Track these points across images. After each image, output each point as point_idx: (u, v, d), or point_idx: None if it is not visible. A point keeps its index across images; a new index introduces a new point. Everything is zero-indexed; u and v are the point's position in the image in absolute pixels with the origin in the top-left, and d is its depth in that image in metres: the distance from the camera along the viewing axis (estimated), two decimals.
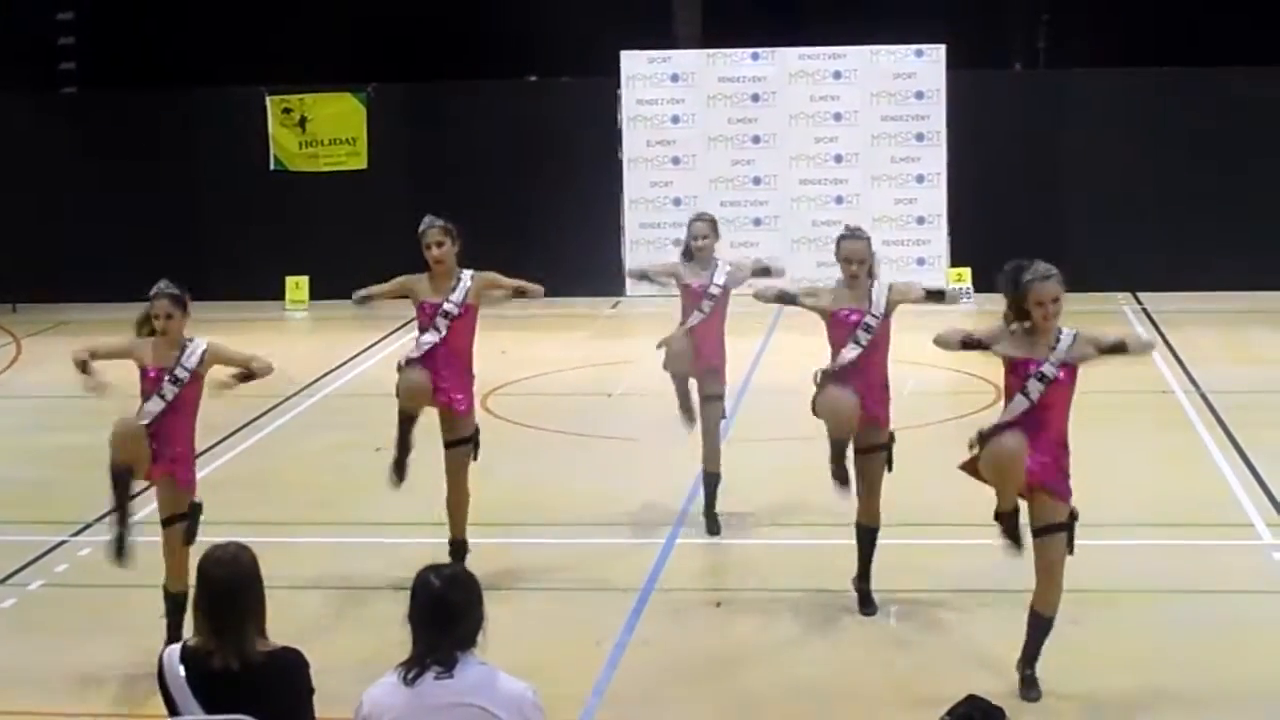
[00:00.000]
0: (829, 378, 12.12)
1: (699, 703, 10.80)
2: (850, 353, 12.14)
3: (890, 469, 12.03)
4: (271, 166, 27.33)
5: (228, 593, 6.76)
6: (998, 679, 10.48)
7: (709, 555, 13.80)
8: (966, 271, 25.96)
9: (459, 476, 12.78)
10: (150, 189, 27.12)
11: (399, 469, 12.86)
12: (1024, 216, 26.17)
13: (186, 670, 6.74)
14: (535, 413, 18.98)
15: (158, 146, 27.19)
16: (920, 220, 26.63)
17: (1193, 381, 19.77)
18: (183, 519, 11.08)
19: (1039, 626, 10.41)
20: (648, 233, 26.91)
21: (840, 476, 11.88)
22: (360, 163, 27.28)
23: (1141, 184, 26.05)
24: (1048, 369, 10.47)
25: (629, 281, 15.31)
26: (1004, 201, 26.14)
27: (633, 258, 26.86)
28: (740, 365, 20.33)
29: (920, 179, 26.62)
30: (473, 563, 11.92)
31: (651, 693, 10.90)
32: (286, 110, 27.33)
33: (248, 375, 11.67)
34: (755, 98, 26.86)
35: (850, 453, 11.96)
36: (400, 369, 12.89)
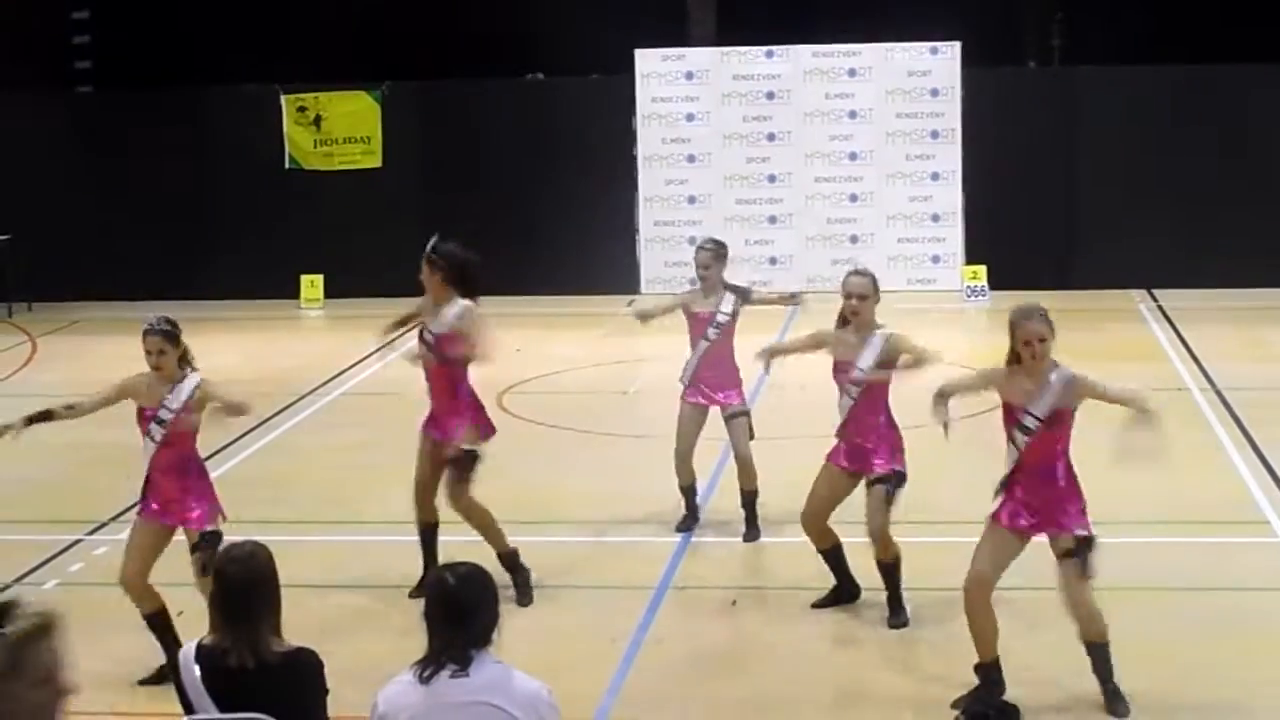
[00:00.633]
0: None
1: (714, 701, 10.80)
2: (843, 404, 12.06)
3: (890, 503, 11.96)
4: (286, 165, 27.34)
5: (243, 591, 6.78)
6: (1010, 677, 10.47)
7: (723, 553, 13.80)
8: (982, 269, 25.93)
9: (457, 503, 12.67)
10: (165, 187, 27.16)
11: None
12: (1039, 213, 26.17)
13: (201, 669, 6.76)
14: (550, 411, 18.98)
15: (172, 145, 27.21)
16: (935, 218, 26.61)
17: (1208, 379, 19.74)
18: (195, 549, 10.99)
19: (1093, 653, 10.34)
20: (662, 230, 26.91)
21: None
22: (375, 161, 27.29)
23: (1156, 180, 26.01)
24: (1029, 421, 10.32)
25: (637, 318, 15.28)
26: (1019, 199, 26.13)
27: (647, 255, 26.88)
28: (753, 365, 20.34)
29: (935, 176, 26.59)
30: (486, 561, 11.92)
31: (666, 691, 10.90)
32: (301, 109, 27.35)
33: (233, 410, 11.52)
34: (770, 95, 26.84)
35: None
36: None
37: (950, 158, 26.52)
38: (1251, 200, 25.84)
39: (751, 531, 14.00)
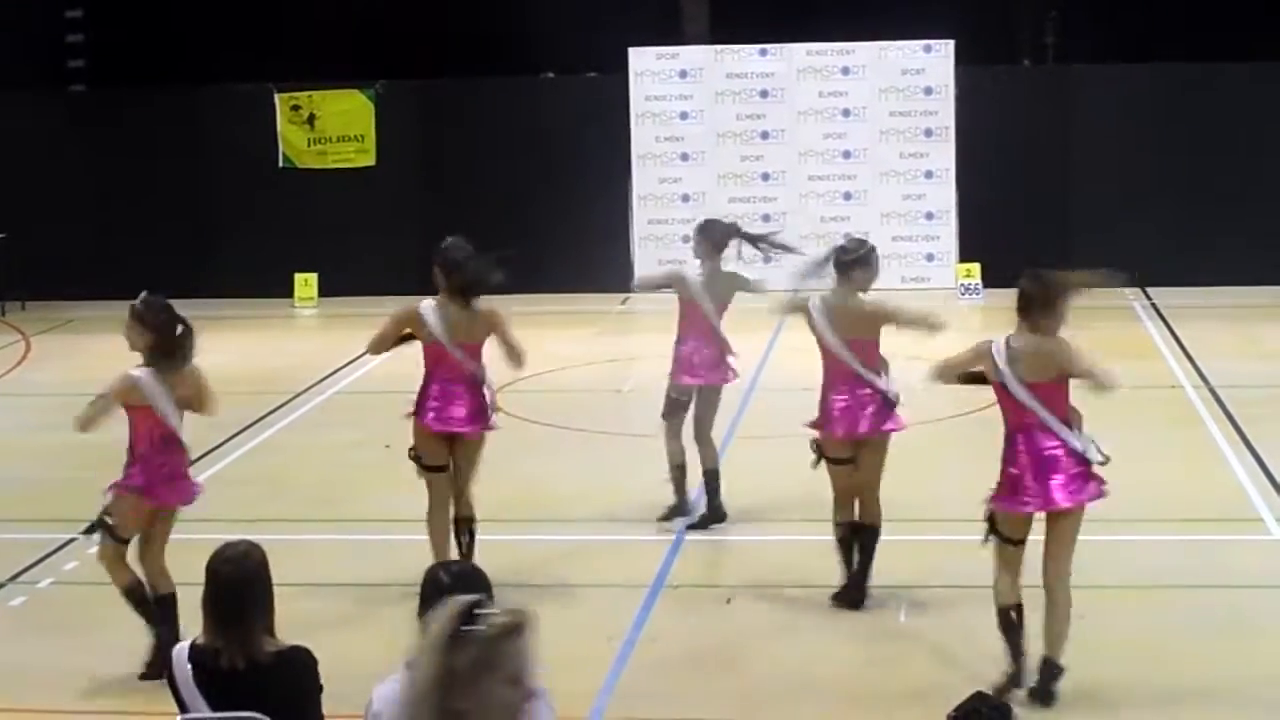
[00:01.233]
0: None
1: (709, 699, 10.80)
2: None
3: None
4: (280, 164, 27.34)
5: (235, 591, 6.77)
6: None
7: (718, 551, 13.80)
8: (976, 267, 25.94)
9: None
10: (159, 186, 27.16)
11: None
12: (1033, 211, 26.18)
13: (194, 668, 6.75)
14: (544, 409, 18.97)
15: (166, 144, 27.21)
16: (929, 216, 26.62)
17: (1202, 376, 19.75)
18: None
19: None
20: (656, 229, 26.91)
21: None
22: (369, 160, 27.28)
23: (1151, 178, 26.02)
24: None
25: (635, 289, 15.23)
26: (1013, 197, 26.14)
27: (641, 254, 26.88)
28: (748, 362, 20.35)
29: (929, 174, 26.60)
30: (482, 559, 11.92)
31: (661, 689, 10.90)
32: (295, 107, 27.34)
33: None
34: (764, 94, 26.85)
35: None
36: None
37: (944, 156, 26.53)
38: (1245, 198, 25.85)
39: (712, 515, 14.03)
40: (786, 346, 22.01)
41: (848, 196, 26.72)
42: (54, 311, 26.16)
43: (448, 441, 12.46)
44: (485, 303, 12.55)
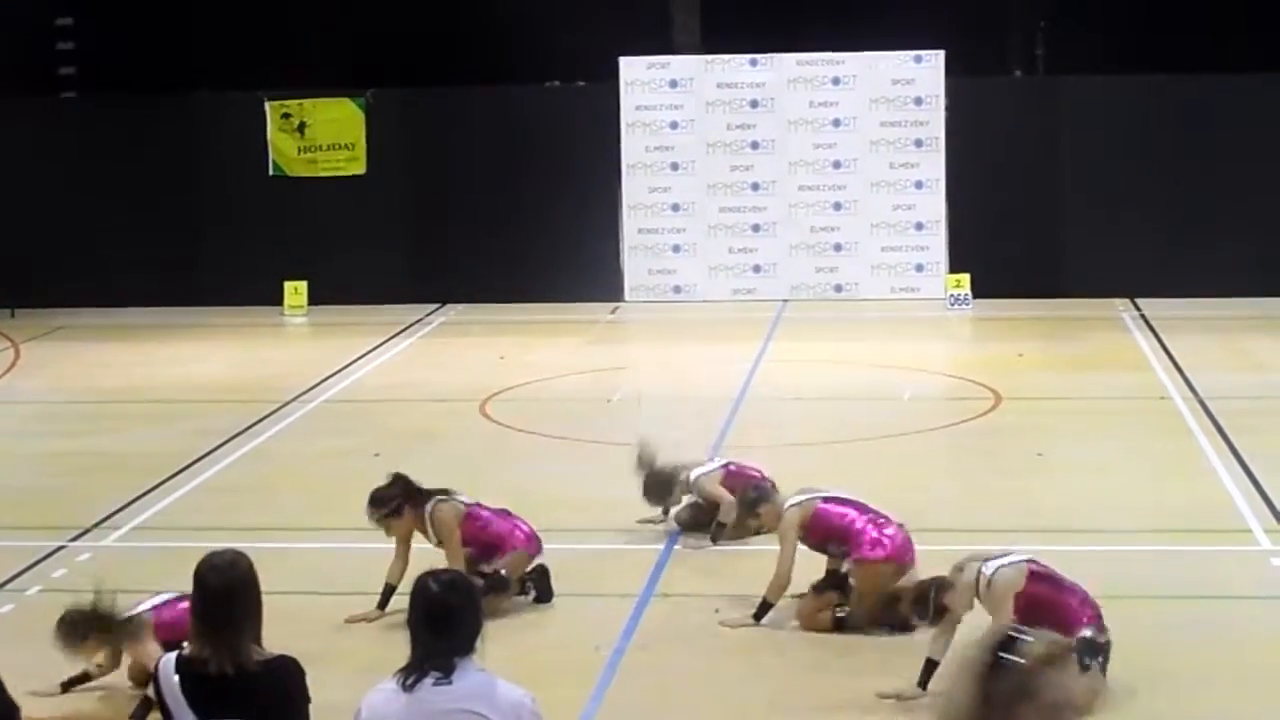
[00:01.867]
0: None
1: (698, 708, 10.80)
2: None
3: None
4: (270, 172, 27.32)
5: (223, 599, 6.75)
6: None
7: (707, 561, 13.79)
8: (965, 277, 25.94)
9: None
10: (149, 194, 27.12)
11: None
12: (1023, 222, 26.20)
13: (181, 678, 6.73)
14: (534, 418, 18.96)
15: (157, 152, 27.18)
16: (919, 226, 26.62)
17: (1191, 388, 19.76)
18: None
19: None
20: (646, 238, 26.91)
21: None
22: (359, 168, 27.27)
23: (1139, 189, 26.04)
24: None
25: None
26: (1003, 207, 26.16)
27: (631, 263, 26.85)
28: (737, 372, 20.35)
29: (919, 185, 26.60)
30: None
31: (650, 698, 10.90)
32: (285, 115, 27.33)
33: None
34: (754, 104, 26.85)
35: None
36: None
37: (934, 166, 26.54)
38: (1234, 209, 25.88)
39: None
40: (775, 358, 22.06)
41: (838, 207, 26.73)
42: (44, 319, 26.13)
43: None
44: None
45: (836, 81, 26.75)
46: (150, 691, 7.63)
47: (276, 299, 26.73)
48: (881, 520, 12.09)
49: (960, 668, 4.95)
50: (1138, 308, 25.31)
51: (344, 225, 26.95)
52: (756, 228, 26.85)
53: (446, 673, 6.44)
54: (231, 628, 6.70)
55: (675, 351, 23.02)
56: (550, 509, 15.18)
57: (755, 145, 26.85)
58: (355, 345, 23.40)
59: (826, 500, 12.19)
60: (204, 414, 19.43)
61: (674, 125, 26.94)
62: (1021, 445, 17.01)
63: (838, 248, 26.74)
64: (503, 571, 12.36)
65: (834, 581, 12.10)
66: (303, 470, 17.15)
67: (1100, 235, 26.01)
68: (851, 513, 12.13)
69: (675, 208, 26.90)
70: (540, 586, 12.76)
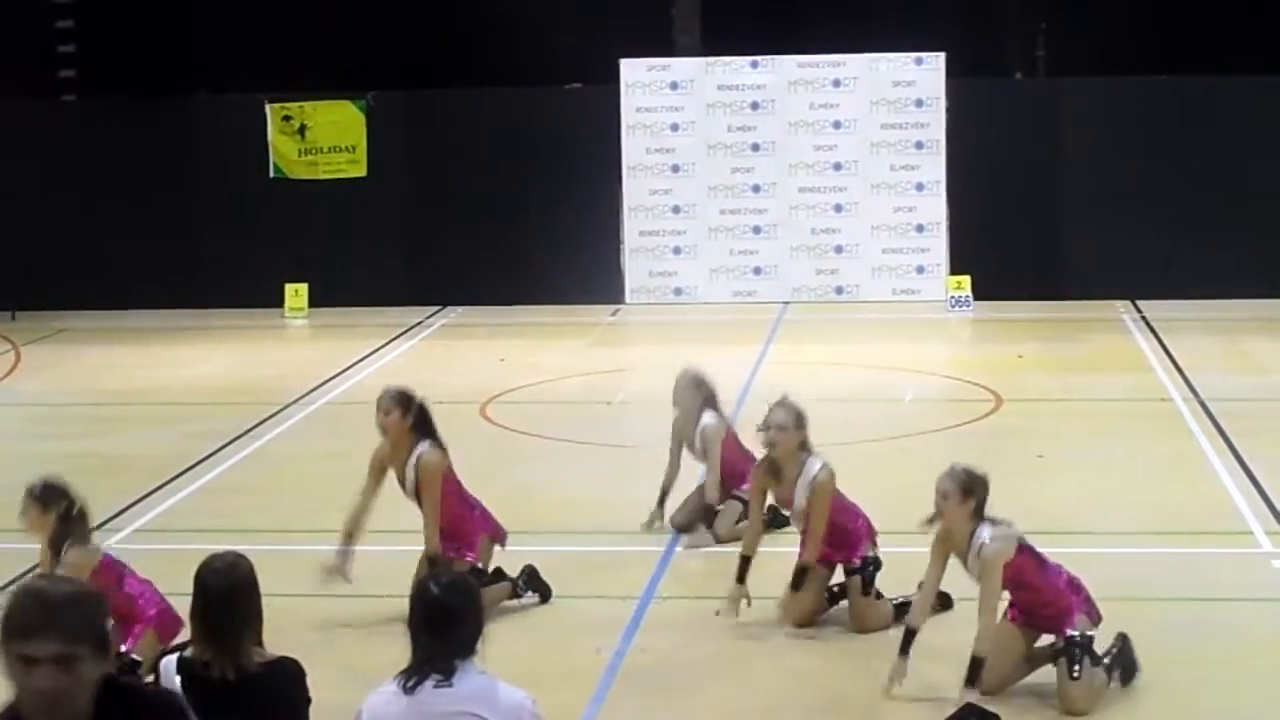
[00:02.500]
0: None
1: (698, 711, 10.80)
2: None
3: (866, 593, 12.00)
4: (271, 174, 27.32)
5: (224, 602, 6.76)
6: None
7: (707, 563, 13.78)
8: (966, 279, 25.94)
9: None
10: (149, 196, 27.13)
11: None
12: (1023, 224, 26.21)
13: (182, 679, 6.74)
14: (534, 420, 18.96)
15: (157, 154, 27.19)
16: (920, 228, 26.63)
17: (1192, 390, 19.76)
18: None
19: None
20: (647, 240, 26.91)
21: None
22: (360, 170, 27.27)
23: (1140, 191, 26.04)
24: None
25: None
26: (1003, 209, 26.17)
27: (632, 265, 26.86)
28: (740, 372, 20.35)
29: (920, 187, 26.61)
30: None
31: (650, 701, 10.90)
32: (286, 118, 27.33)
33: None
34: (755, 106, 26.86)
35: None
36: None
37: (935, 168, 26.54)
38: (1236, 211, 25.88)
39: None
40: (776, 360, 22.06)
41: (838, 209, 26.73)
42: (45, 321, 26.13)
43: None
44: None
45: (837, 83, 26.76)
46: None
47: (277, 301, 26.74)
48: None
49: None
50: (1138, 309, 25.31)
51: (345, 227, 26.96)
52: (757, 230, 26.86)
53: (447, 675, 6.46)
54: (232, 631, 6.71)
55: (676, 354, 22.99)
56: (551, 511, 15.20)
57: (756, 147, 26.86)
58: (356, 347, 23.41)
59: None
60: (205, 416, 19.44)
61: (675, 127, 26.94)
62: (1022, 447, 17.01)
63: (838, 250, 26.75)
64: (480, 565, 12.30)
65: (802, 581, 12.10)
66: (304, 472, 17.15)
67: (1101, 237, 26.01)
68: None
69: (676, 210, 26.91)
70: (536, 587, 12.73)
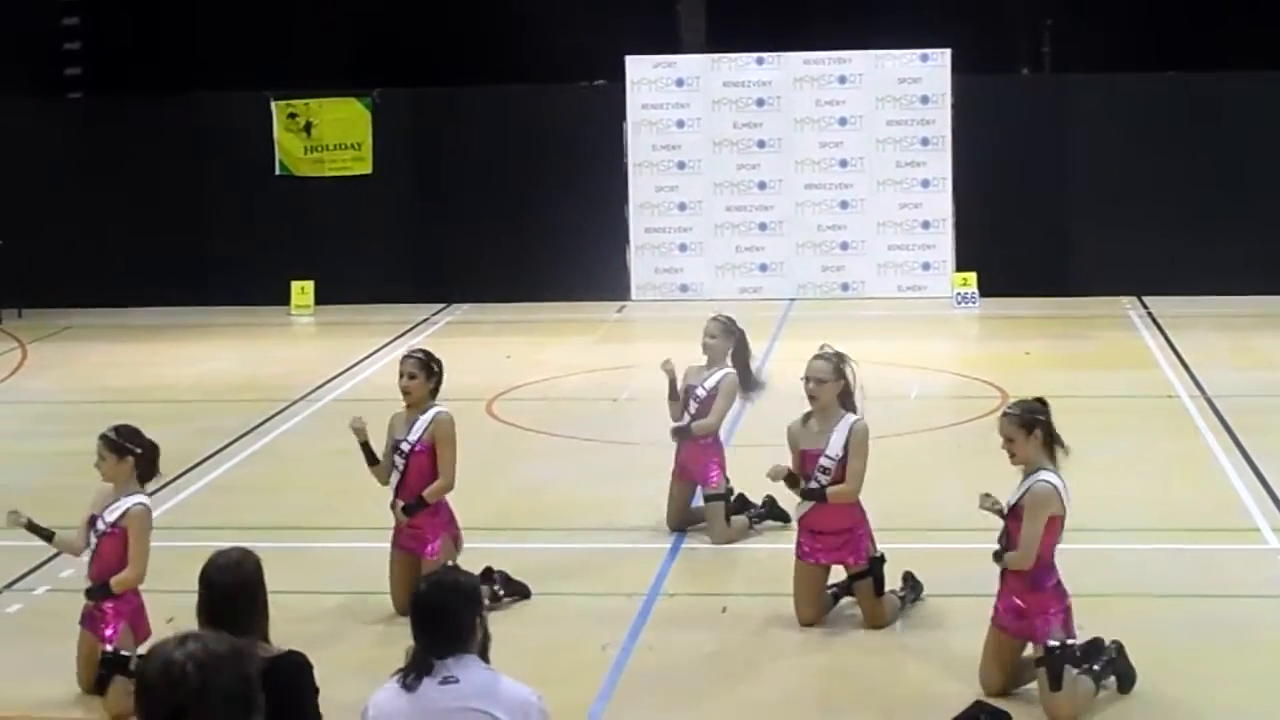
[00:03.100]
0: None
1: (704, 708, 10.80)
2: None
3: (880, 593, 11.96)
4: (277, 171, 27.33)
5: (229, 600, 6.77)
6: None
7: (714, 560, 13.79)
8: (972, 276, 25.92)
9: None
10: (155, 194, 27.14)
11: None
12: (1029, 220, 26.19)
13: None
14: (540, 418, 18.96)
15: (163, 151, 27.21)
16: (926, 225, 26.61)
17: (1199, 386, 19.75)
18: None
19: None
20: (653, 237, 26.91)
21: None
22: (365, 168, 27.28)
23: (1147, 187, 26.02)
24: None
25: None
26: (1009, 205, 26.15)
27: (638, 262, 26.86)
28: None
29: (926, 183, 26.60)
30: (477, 567, 11.91)
31: (657, 698, 10.90)
32: (292, 115, 27.34)
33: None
34: (760, 102, 26.85)
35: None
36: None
37: (940, 165, 26.52)
38: (1242, 207, 25.86)
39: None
40: (782, 357, 22.04)
41: (844, 205, 26.72)
42: (51, 319, 26.14)
43: None
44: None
45: (843, 80, 26.75)
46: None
47: (283, 298, 26.74)
48: None
49: None
50: (1145, 306, 25.29)
51: (351, 225, 26.96)
52: (763, 226, 26.85)
53: (450, 671, 6.46)
54: (238, 626, 6.71)
55: (682, 350, 22.99)
56: (557, 508, 15.20)
57: (762, 144, 26.85)
58: (362, 344, 23.42)
59: None
60: (211, 413, 19.44)
61: (680, 124, 26.93)
62: None
63: (844, 246, 26.74)
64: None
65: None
66: (310, 469, 17.16)
67: (1107, 233, 25.99)
68: None
69: (682, 206, 26.90)
70: (516, 590, 12.66)
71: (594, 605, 12.71)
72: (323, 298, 26.68)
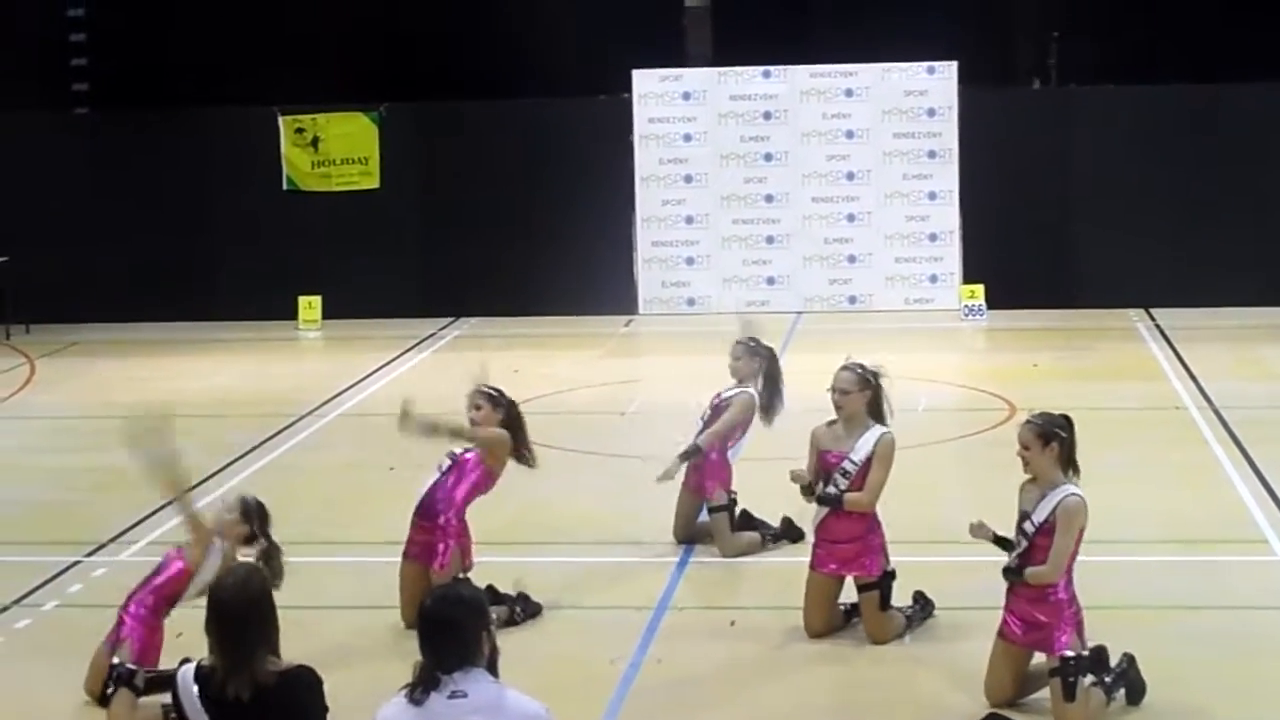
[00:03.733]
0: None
1: None
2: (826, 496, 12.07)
3: (884, 607, 11.95)
4: (284, 186, 27.35)
5: (238, 619, 6.77)
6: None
7: (722, 574, 13.79)
8: (980, 288, 25.92)
9: None
10: (163, 209, 27.17)
11: None
12: (1036, 232, 26.19)
13: (200, 688, 6.76)
14: (548, 431, 18.84)
15: (170, 166, 27.23)
16: (933, 237, 26.62)
17: (1206, 397, 19.74)
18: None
19: None
20: (660, 251, 26.92)
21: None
22: (373, 182, 27.30)
23: (1153, 199, 26.02)
24: (1028, 526, 10.43)
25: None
26: (1016, 218, 26.14)
27: (645, 276, 26.88)
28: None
29: (932, 196, 26.60)
30: (485, 582, 11.92)
31: (665, 712, 10.89)
32: (299, 130, 27.37)
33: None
34: (767, 115, 26.86)
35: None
36: None
37: (947, 177, 26.53)
38: (1249, 219, 25.86)
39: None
40: (790, 370, 22.03)
41: (851, 218, 26.73)
42: (58, 335, 26.15)
43: None
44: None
45: (849, 93, 26.76)
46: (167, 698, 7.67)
47: (291, 313, 26.75)
48: None
49: None
50: (1152, 318, 25.28)
51: (358, 239, 26.97)
52: (770, 239, 26.86)
53: (456, 685, 6.47)
54: (246, 644, 6.72)
55: (689, 364, 23.01)
56: (564, 522, 15.21)
57: (768, 157, 26.86)
58: (369, 359, 23.42)
59: None
60: (219, 428, 19.44)
61: (687, 137, 26.95)
62: None
63: (851, 259, 26.74)
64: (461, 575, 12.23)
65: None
66: (318, 484, 17.17)
67: (1115, 245, 25.98)
68: None
69: (689, 220, 26.91)
70: (532, 612, 12.66)
71: (602, 619, 12.71)
72: (330, 312, 26.69)
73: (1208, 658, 11.50)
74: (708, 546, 14.15)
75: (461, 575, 11.94)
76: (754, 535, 14.13)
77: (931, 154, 26.58)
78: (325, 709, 6.77)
